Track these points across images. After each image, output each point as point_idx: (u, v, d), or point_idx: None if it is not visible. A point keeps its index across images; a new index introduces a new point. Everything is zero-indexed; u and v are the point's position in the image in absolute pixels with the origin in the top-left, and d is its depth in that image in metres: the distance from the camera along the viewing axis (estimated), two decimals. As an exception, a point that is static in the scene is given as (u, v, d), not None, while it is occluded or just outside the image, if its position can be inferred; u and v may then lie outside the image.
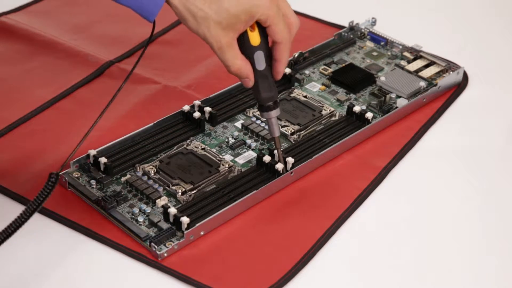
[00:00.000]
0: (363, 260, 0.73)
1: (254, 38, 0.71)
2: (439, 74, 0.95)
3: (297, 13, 0.78)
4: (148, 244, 0.72)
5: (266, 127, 0.85)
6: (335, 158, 0.83)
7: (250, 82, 0.73)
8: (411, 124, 0.88)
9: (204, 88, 0.92)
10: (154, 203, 0.76)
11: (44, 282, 0.70)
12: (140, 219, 0.74)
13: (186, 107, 0.86)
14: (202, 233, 0.73)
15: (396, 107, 0.88)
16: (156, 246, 0.71)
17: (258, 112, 0.87)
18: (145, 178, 0.78)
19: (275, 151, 0.79)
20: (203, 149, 0.82)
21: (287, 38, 0.71)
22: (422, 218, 0.78)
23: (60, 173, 0.68)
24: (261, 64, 0.72)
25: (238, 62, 0.71)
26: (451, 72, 0.94)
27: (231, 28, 0.69)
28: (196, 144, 0.83)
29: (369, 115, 0.85)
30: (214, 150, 0.82)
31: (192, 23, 0.69)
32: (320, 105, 0.88)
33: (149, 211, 0.75)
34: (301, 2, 1.05)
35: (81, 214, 0.76)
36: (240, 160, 0.82)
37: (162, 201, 0.76)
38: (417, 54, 0.97)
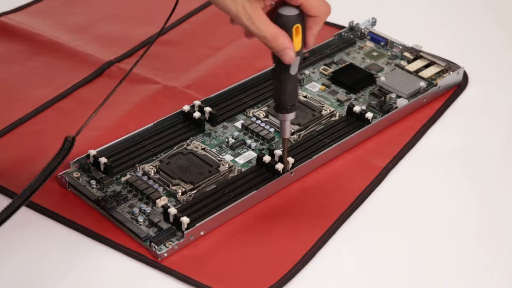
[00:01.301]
0: (363, 260, 0.73)
1: (297, 43, 0.69)
2: (439, 74, 0.95)
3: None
4: (148, 244, 0.72)
5: (266, 127, 0.85)
6: (335, 158, 0.83)
7: (291, 52, 0.67)
8: (411, 124, 0.88)
9: (204, 88, 0.92)
10: (154, 203, 0.76)
11: (44, 282, 0.70)
12: (140, 219, 0.74)
13: (186, 107, 0.86)
14: (202, 233, 0.73)
15: (396, 107, 0.88)
16: (156, 246, 0.71)
17: (258, 112, 0.87)
18: (145, 178, 0.78)
19: (276, 151, 0.79)
20: (203, 149, 0.82)
21: (324, 11, 0.67)
22: (422, 218, 0.78)
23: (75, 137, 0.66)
24: (295, 69, 0.71)
25: (274, 30, 0.66)
26: (451, 72, 0.94)
27: (258, 1, 0.66)
28: (196, 144, 0.83)
29: (369, 115, 0.85)
30: (214, 150, 0.82)
31: None
32: (320, 105, 0.88)
33: (149, 211, 0.75)
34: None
35: (81, 214, 0.76)
36: (240, 160, 0.82)
37: (162, 201, 0.76)
38: (417, 54, 0.97)
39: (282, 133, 0.76)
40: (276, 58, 0.70)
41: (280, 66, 0.71)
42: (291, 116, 0.74)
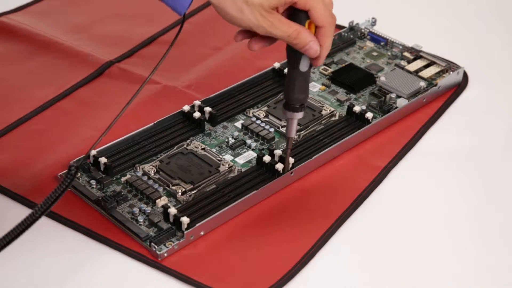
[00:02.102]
0: (363, 260, 0.73)
1: None
2: (439, 74, 0.95)
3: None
4: (148, 244, 0.72)
5: (266, 127, 0.85)
6: (335, 158, 0.83)
7: (315, 45, 0.69)
8: (411, 124, 0.88)
9: (204, 88, 0.92)
10: (154, 203, 0.76)
11: (43, 282, 0.70)
12: (140, 219, 0.74)
13: (186, 107, 0.86)
14: (202, 233, 0.73)
15: (396, 107, 0.88)
16: (156, 246, 0.71)
17: (258, 112, 0.87)
18: (145, 178, 0.78)
19: (276, 151, 0.79)
20: (203, 149, 0.82)
21: (329, 22, 0.69)
22: (422, 218, 0.78)
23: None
24: (305, 66, 0.72)
25: (295, 27, 0.68)
26: (451, 72, 0.94)
27: (273, 7, 0.68)
28: (196, 144, 0.83)
29: (369, 115, 0.85)
30: (214, 150, 0.82)
31: (233, 11, 0.67)
32: (320, 105, 0.88)
33: (149, 211, 0.75)
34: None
35: (81, 214, 0.76)
36: (240, 160, 0.82)
37: (162, 201, 0.76)
38: (417, 54, 0.97)
39: (288, 132, 0.76)
40: (290, 54, 0.71)
41: (292, 62, 0.71)
42: (299, 115, 0.74)
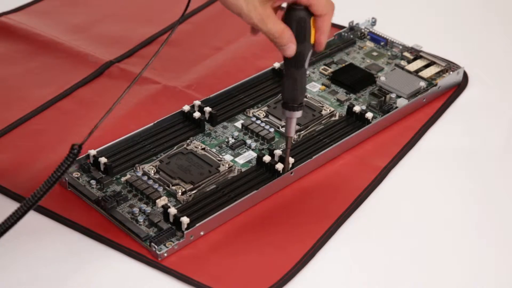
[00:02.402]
0: (362, 260, 0.73)
1: (312, 36, 0.71)
2: (439, 74, 0.95)
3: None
4: (148, 244, 0.72)
5: (266, 127, 0.85)
6: (335, 158, 0.83)
7: (293, 46, 0.70)
8: (411, 124, 0.88)
9: (204, 88, 0.92)
10: (154, 203, 0.76)
11: (43, 281, 0.70)
12: (140, 219, 0.74)
13: (186, 107, 0.86)
14: (202, 233, 0.73)
15: (396, 107, 0.88)
16: (156, 246, 0.71)
17: (258, 112, 0.87)
18: (145, 178, 0.78)
19: (276, 151, 0.79)
20: (203, 149, 0.82)
21: (330, 9, 0.70)
22: (422, 218, 0.78)
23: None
24: (307, 63, 0.72)
25: (281, 26, 0.69)
26: (451, 72, 0.94)
27: (268, 1, 0.69)
28: (196, 144, 0.83)
29: (369, 115, 0.85)
30: (214, 150, 0.82)
31: None
32: (320, 105, 0.88)
33: (149, 211, 0.75)
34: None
35: (81, 214, 0.76)
36: (240, 160, 0.82)
37: (162, 201, 0.76)
38: (417, 54, 0.97)
39: (287, 131, 0.76)
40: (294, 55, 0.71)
41: (295, 62, 0.72)
42: (297, 114, 0.74)
